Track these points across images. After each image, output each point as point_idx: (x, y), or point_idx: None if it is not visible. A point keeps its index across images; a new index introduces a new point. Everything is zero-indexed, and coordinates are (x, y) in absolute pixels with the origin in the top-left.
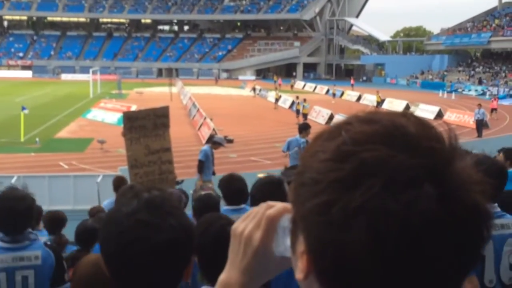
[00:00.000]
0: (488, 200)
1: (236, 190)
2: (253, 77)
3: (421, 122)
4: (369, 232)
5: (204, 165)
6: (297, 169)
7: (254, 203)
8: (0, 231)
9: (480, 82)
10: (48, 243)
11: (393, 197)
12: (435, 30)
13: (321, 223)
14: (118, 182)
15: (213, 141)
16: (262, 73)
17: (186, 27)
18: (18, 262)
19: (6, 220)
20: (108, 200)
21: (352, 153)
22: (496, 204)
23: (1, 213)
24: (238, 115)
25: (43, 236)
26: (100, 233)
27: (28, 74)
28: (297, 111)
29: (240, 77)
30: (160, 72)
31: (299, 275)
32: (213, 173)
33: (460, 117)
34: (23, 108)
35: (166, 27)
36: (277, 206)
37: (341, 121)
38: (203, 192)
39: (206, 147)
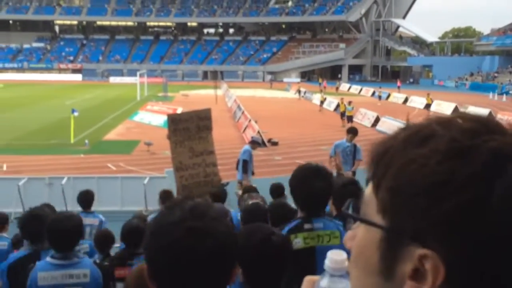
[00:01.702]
0: None
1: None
2: (298, 80)
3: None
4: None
5: (248, 165)
6: (386, 187)
7: (293, 190)
8: (52, 248)
9: None
10: (97, 261)
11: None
12: (485, 30)
13: (466, 225)
14: (165, 195)
15: (252, 141)
16: (307, 75)
17: (231, 30)
18: (68, 279)
19: (57, 238)
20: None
21: (472, 146)
22: None
23: (53, 231)
24: (283, 117)
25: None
26: (147, 246)
27: (78, 77)
28: (342, 114)
29: (285, 80)
30: (205, 75)
31: None
32: (253, 173)
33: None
34: (73, 111)
35: (212, 30)
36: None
37: (419, 125)
38: (250, 202)
39: (248, 146)
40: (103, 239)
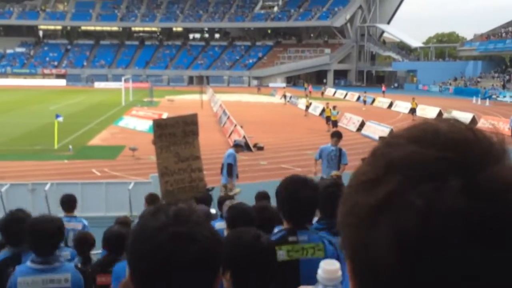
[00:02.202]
0: None
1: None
2: (284, 85)
3: (460, 124)
4: (392, 227)
5: (233, 168)
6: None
7: (280, 201)
8: (33, 252)
9: None
10: (79, 265)
11: (414, 190)
12: (468, 36)
13: (352, 225)
14: (152, 198)
15: (235, 144)
16: (293, 80)
17: (217, 35)
18: (48, 284)
19: (37, 240)
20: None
21: (382, 154)
22: None
23: (33, 233)
24: (269, 122)
25: None
26: (130, 251)
27: (62, 82)
28: (327, 118)
29: (271, 85)
30: (191, 80)
31: None
32: (237, 176)
33: (494, 124)
34: (57, 116)
35: (197, 35)
36: None
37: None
38: (235, 202)
39: (232, 150)
40: (84, 241)
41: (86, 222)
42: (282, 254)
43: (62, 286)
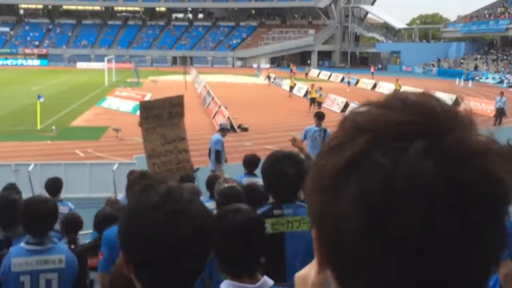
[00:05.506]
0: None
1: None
2: (268, 65)
3: (428, 94)
4: (357, 186)
5: (221, 155)
6: None
7: (265, 177)
8: (27, 233)
9: (497, 70)
10: (72, 246)
11: (380, 150)
12: (452, 17)
13: (319, 189)
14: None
15: (221, 128)
16: (277, 61)
17: (200, 15)
18: (43, 265)
19: (32, 221)
20: (122, 195)
21: (351, 120)
22: None
23: (28, 215)
24: (253, 103)
25: None
26: (123, 231)
27: (44, 62)
28: (311, 100)
29: (254, 65)
30: (174, 60)
31: (317, 268)
32: (226, 160)
33: (477, 106)
34: (39, 97)
35: (181, 15)
36: None
37: None
38: (226, 185)
39: (218, 136)
40: (73, 223)
41: (72, 206)
42: (267, 227)
43: (56, 266)
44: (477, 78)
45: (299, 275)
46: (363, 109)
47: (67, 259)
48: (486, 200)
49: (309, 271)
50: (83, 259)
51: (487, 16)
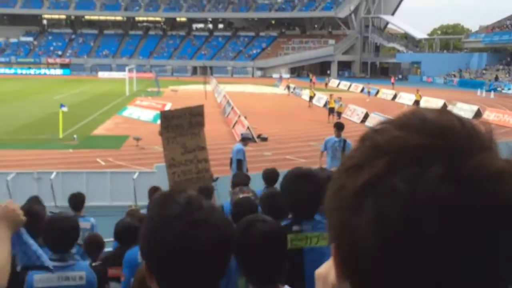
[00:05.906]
0: None
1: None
2: (287, 75)
3: (448, 113)
4: (373, 209)
5: (242, 164)
6: None
7: (284, 195)
8: (49, 249)
9: None
10: (93, 264)
11: (398, 174)
12: (473, 27)
13: (337, 208)
14: (154, 191)
15: (243, 138)
16: (297, 71)
17: (220, 25)
18: (64, 281)
19: (54, 238)
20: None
21: (369, 139)
22: None
23: (50, 232)
24: (272, 113)
25: None
26: (145, 242)
27: (66, 72)
28: (330, 110)
29: (274, 75)
30: (194, 70)
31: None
32: (247, 170)
33: (499, 117)
34: (62, 106)
35: (201, 25)
36: None
37: None
38: (241, 195)
39: (240, 145)
40: (94, 244)
41: (94, 221)
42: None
43: (77, 283)
44: (499, 89)
45: (319, 271)
46: (383, 127)
47: (88, 276)
48: (504, 229)
49: (329, 270)
50: (102, 276)
51: (509, 26)
